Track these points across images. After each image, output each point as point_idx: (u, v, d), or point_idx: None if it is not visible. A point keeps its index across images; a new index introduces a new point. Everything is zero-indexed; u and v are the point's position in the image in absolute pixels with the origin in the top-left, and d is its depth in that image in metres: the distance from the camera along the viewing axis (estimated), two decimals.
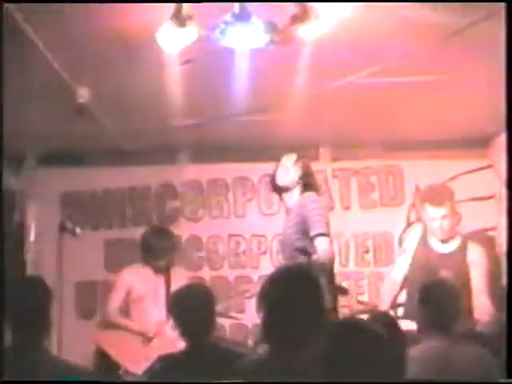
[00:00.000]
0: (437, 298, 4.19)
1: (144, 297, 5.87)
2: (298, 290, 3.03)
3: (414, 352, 4.14)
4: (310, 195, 5.04)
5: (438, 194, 5.22)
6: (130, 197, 6.98)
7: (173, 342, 5.13)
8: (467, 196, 6.43)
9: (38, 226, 6.81)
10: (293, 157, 5.17)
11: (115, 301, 5.92)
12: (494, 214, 6.58)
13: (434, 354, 4.07)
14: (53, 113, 5.50)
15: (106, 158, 6.80)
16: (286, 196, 5.18)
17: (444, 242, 5.20)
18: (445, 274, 5.08)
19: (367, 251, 6.88)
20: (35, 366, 3.42)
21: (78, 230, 5.26)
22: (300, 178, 5.10)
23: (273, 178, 5.25)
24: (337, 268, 6.70)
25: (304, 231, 4.91)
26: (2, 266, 4.56)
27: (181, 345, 4.44)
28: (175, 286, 5.64)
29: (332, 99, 5.35)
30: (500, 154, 6.29)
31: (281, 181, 5.16)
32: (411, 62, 4.68)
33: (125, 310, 5.92)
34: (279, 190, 5.23)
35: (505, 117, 3.20)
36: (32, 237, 6.80)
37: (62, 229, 5.20)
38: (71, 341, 5.72)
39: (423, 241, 5.26)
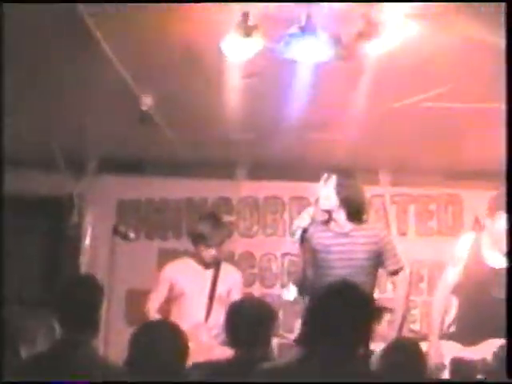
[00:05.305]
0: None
1: (185, 294, 5.49)
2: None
3: None
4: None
5: None
6: (186, 208, 7.02)
7: (208, 347, 5.11)
8: None
9: (93, 230, 6.88)
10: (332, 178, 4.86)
11: (155, 300, 5.56)
12: None
13: None
14: (117, 120, 5.55)
15: (166, 167, 6.85)
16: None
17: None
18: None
19: (421, 280, 6.78)
20: (86, 361, 3.45)
21: (131, 234, 5.25)
22: (342, 203, 4.77)
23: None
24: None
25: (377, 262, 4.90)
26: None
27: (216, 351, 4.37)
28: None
29: (394, 121, 5.31)
30: None
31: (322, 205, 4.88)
32: (476, 87, 4.62)
33: (166, 310, 5.59)
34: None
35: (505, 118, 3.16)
36: (87, 240, 6.86)
37: (116, 232, 5.21)
38: (118, 347, 5.76)
39: (476, 251, 4.91)
